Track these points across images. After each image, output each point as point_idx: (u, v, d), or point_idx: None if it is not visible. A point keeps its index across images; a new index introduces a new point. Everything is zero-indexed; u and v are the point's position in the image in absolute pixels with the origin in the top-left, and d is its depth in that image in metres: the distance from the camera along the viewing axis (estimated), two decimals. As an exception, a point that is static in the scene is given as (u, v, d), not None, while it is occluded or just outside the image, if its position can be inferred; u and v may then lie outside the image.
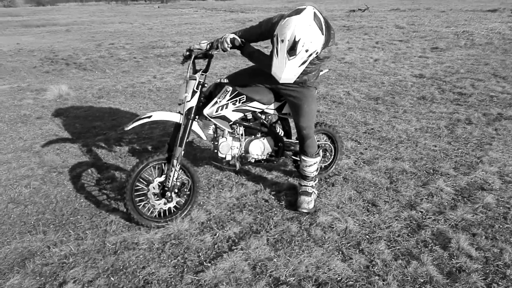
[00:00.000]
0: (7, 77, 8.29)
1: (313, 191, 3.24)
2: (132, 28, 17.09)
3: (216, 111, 3.01)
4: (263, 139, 3.27)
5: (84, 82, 7.61)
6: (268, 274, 2.49)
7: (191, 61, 2.93)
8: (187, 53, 2.98)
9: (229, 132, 3.14)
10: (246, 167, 3.80)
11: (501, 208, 3.17)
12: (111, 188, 3.54)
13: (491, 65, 8.04)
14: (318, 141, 3.57)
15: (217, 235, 2.89)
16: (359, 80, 7.25)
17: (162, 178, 2.92)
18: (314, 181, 3.29)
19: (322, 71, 3.40)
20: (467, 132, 4.69)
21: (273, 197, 3.38)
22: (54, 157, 4.20)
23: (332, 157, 3.70)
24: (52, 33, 16.18)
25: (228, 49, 2.78)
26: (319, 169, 3.29)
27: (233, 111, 3.04)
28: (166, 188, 2.91)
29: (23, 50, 11.50)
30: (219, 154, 3.14)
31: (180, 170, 2.97)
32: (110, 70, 8.69)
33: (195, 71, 2.93)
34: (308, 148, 3.11)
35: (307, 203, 3.15)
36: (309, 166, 3.16)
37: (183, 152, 2.89)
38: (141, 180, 2.94)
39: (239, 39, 2.74)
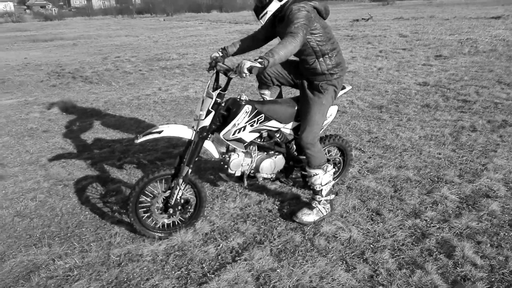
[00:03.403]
0: (14, 91, 8.40)
1: (317, 207, 3.14)
2: (138, 41, 17.29)
3: (233, 134, 2.92)
4: (275, 157, 3.19)
5: (90, 95, 7.70)
6: (271, 285, 2.49)
7: (214, 76, 2.86)
8: (212, 62, 2.92)
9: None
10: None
11: (506, 215, 3.15)
12: (116, 201, 3.56)
13: (496, 72, 8.02)
14: (329, 154, 3.57)
15: (220, 246, 2.89)
16: (363, 88, 7.26)
17: (167, 194, 2.91)
18: (324, 196, 3.15)
19: (345, 88, 3.41)
20: (471, 140, 4.67)
21: (276, 207, 3.39)
22: (60, 170, 4.24)
23: (339, 170, 3.69)
24: (60, 47, 16.41)
25: (247, 76, 2.56)
26: (329, 184, 3.16)
27: (250, 132, 2.98)
28: (169, 205, 2.91)
29: (31, 65, 11.67)
30: (229, 170, 3.06)
31: (187, 187, 2.95)
32: (116, 83, 8.79)
33: (215, 88, 2.82)
34: (309, 159, 3.07)
35: (303, 214, 3.12)
36: (310, 177, 3.12)
37: (190, 170, 2.85)
38: (146, 193, 2.93)
39: (257, 65, 2.41)
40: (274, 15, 2.80)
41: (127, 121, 5.93)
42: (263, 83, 3.27)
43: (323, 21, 2.88)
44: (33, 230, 3.21)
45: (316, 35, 2.80)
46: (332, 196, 3.23)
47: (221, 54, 3.04)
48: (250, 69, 2.41)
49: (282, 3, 2.74)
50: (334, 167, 3.57)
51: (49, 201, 3.65)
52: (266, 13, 2.77)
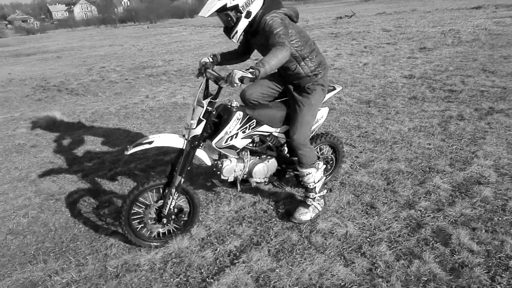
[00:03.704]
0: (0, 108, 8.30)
1: (312, 204, 3.16)
2: (122, 50, 17.21)
3: (226, 142, 2.90)
4: (268, 161, 3.18)
5: (77, 107, 7.64)
6: (271, 285, 2.48)
7: (203, 83, 2.81)
8: (201, 68, 2.89)
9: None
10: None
11: (499, 200, 3.18)
12: (109, 212, 3.53)
13: (480, 60, 8.11)
14: (321, 152, 3.58)
15: (218, 250, 2.88)
16: (350, 84, 7.30)
17: (160, 203, 2.89)
18: (318, 193, 3.17)
19: (336, 89, 3.42)
20: (460, 128, 4.71)
21: (271, 208, 3.38)
22: (50, 184, 4.19)
23: (331, 168, 3.70)
24: (43, 61, 16.26)
25: (239, 86, 2.52)
26: (321, 180, 3.18)
27: (242, 138, 2.96)
28: (163, 215, 2.88)
29: (15, 80, 11.55)
30: (222, 176, 3.04)
31: (180, 195, 2.92)
32: (102, 93, 8.73)
33: (206, 96, 2.77)
34: (300, 159, 3.07)
35: (301, 214, 3.13)
36: (303, 177, 3.12)
37: (182, 180, 2.83)
38: (138, 204, 2.88)
39: (248, 76, 2.39)
40: (246, 31, 2.80)
41: (116, 131, 5.89)
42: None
43: (296, 26, 2.89)
44: (27, 247, 3.17)
45: (293, 42, 2.81)
46: (325, 192, 3.25)
47: (211, 60, 3.02)
48: (241, 79, 2.39)
49: (250, 19, 2.72)
50: (326, 165, 3.59)
51: (42, 216, 3.60)
52: (237, 32, 2.75)
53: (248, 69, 2.43)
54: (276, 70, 2.88)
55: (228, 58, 3.17)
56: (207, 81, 2.82)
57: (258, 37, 2.80)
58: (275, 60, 2.47)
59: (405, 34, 12.76)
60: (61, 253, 3.03)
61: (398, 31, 13.62)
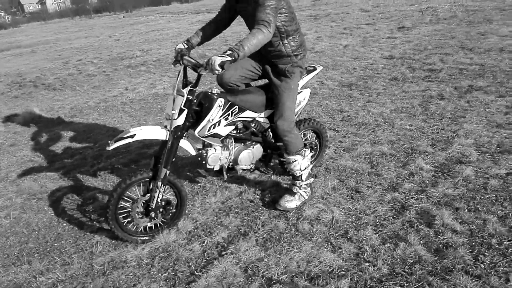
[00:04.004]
0: (-26, 107, 8.06)
1: (298, 192, 3.15)
2: (98, 41, 16.82)
3: (208, 130, 2.86)
4: (253, 147, 3.16)
5: (55, 103, 7.46)
6: (260, 275, 2.49)
7: (182, 72, 2.74)
8: (177, 55, 2.82)
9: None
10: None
11: (480, 179, 3.23)
12: (93, 209, 3.48)
13: (458, 38, 8.18)
14: (305, 138, 3.56)
15: (205, 243, 2.87)
16: (331, 68, 7.29)
17: (147, 197, 2.85)
18: (304, 181, 3.16)
19: (316, 69, 3.38)
20: (440, 108, 4.76)
21: (258, 197, 3.38)
22: (31, 183, 4.11)
23: (315, 154, 3.69)
24: (17, 56, 15.81)
25: (220, 72, 2.46)
26: (308, 168, 3.18)
27: (225, 126, 2.92)
28: (150, 208, 2.84)
29: (-11, 77, 11.21)
30: (207, 166, 3.01)
31: (167, 187, 2.88)
32: (80, 87, 8.54)
33: (185, 84, 2.72)
34: (286, 146, 3.05)
35: (286, 201, 3.12)
36: (289, 164, 3.11)
37: (168, 172, 2.79)
38: (125, 198, 2.83)
39: (227, 59, 2.35)
40: None
41: (96, 126, 5.78)
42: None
43: None
44: (10, 248, 3.11)
45: (282, 15, 2.69)
46: (311, 180, 3.24)
47: (186, 46, 2.94)
48: (222, 65, 2.34)
49: None
50: (311, 151, 3.59)
51: (24, 217, 3.53)
52: None
53: (225, 52, 2.38)
54: None
55: (206, 34, 3.04)
56: (185, 69, 2.76)
57: (247, 3, 2.67)
58: (255, 41, 2.42)
59: (384, 14, 12.77)
60: (46, 253, 2.98)
61: (376, 11, 13.61)
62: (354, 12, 14.28)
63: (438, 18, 10.79)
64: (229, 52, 2.37)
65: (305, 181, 3.17)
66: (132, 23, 25.50)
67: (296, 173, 3.13)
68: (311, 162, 3.62)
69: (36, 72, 10.77)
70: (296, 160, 3.08)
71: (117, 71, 9.66)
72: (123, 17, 35.67)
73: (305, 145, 3.29)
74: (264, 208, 3.21)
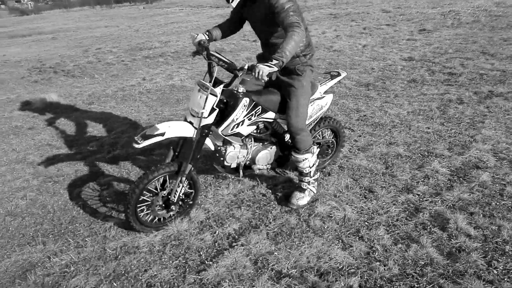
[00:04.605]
0: (-5, 90, 8.21)
1: (308, 188, 3.17)
2: (118, 31, 16.98)
3: (232, 129, 2.86)
4: (271, 148, 3.17)
5: (73, 89, 7.56)
6: (270, 268, 2.50)
7: (211, 69, 2.71)
8: (200, 48, 2.78)
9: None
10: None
11: (497, 185, 3.19)
12: (108, 194, 3.53)
13: (479, 43, 8.05)
14: (323, 136, 3.57)
15: (216, 233, 2.89)
16: (349, 67, 7.24)
17: (167, 191, 2.86)
18: (312, 177, 3.19)
19: (340, 75, 3.40)
20: (459, 112, 4.70)
21: (270, 191, 3.39)
22: (48, 166, 4.18)
23: (332, 152, 3.69)
24: (38, 42, 16.05)
25: (266, 80, 2.44)
26: (316, 164, 3.20)
27: (247, 125, 2.92)
28: (171, 202, 2.86)
29: (10, 61, 11.40)
30: (225, 162, 3.02)
31: (187, 182, 2.90)
32: (99, 75, 8.64)
33: (214, 82, 2.67)
34: (297, 144, 3.04)
35: (297, 199, 3.14)
36: (299, 162, 3.11)
37: (192, 168, 2.81)
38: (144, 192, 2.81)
39: (275, 69, 2.38)
40: None
41: (114, 114, 5.85)
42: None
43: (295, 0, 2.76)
44: (26, 229, 3.17)
45: None
46: (318, 174, 3.26)
47: (207, 38, 2.91)
48: (270, 76, 2.38)
49: None
50: (327, 149, 3.59)
51: (40, 198, 3.60)
52: None
53: (271, 61, 2.38)
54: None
55: (225, 31, 3.06)
56: (210, 64, 2.72)
57: (255, 8, 2.70)
58: (293, 43, 2.45)
59: (405, 16, 12.62)
60: (60, 235, 3.04)
61: (397, 12, 13.46)
62: (374, 12, 14.14)
63: (460, 22, 10.62)
64: (274, 62, 2.38)
65: (313, 177, 3.19)
66: (152, 15, 25.66)
67: (305, 170, 3.14)
68: (326, 160, 3.64)
69: (56, 59, 10.92)
70: (306, 159, 3.09)
71: (135, 61, 9.74)
72: (143, 8, 35.91)
73: (313, 142, 3.28)
74: (276, 203, 3.22)
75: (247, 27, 3.03)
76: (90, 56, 10.77)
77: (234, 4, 2.73)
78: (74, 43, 14.27)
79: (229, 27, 3.09)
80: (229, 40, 10.41)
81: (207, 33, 2.96)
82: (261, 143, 3.16)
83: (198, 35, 2.88)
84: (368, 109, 5.08)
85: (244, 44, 10.12)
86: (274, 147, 3.20)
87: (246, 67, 2.49)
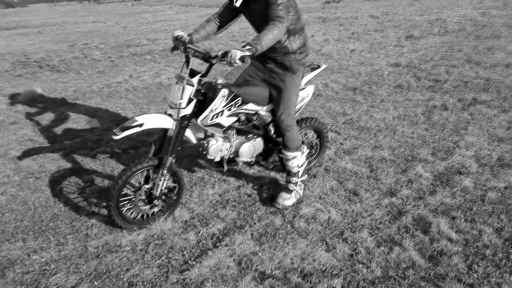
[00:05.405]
0: (-23, 83, 8.04)
1: (294, 189, 3.18)
2: (105, 27, 16.79)
3: (211, 119, 2.85)
4: (254, 140, 3.18)
5: (58, 85, 7.45)
6: (253, 269, 2.50)
7: (186, 61, 2.73)
8: (177, 42, 2.78)
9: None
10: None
11: (479, 191, 3.25)
12: (91, 192, 3.48)
13: (464, 51, 8.18)
14: (306, 137, 3.58)
15: (201, 233, 2.87)
16: (337, 71, 7.29)
17: (150, 185, 2.84)
18: (300, 178, 3.20)
19: (320, 67, 3.42)
20: (443, 118, 4.77)
21: (255, 192, 3.38)
22: (30, 162, 4.10)
23: (316, 153, 3.70)
24: (24, 35, 15.76)
25: (238, 65, 2.48)
26: (304, 165, 3.21)
27: (227, 116, 2.92)
28: (154, 196, 2.84)
29: (-7, 54, 11.17)
30: (208, 156, 3.01)
31: (168, 176, 2.88)
32: (84, 71, 8.53)
33: (192, 74, 2.69)
34: (287, 142, 3.06)
35: (284, 199, 3.14)
36: (288, 160, 3.12)
37: (174, 160, 2.80)
38: (126, 186, 2.80)
39: (247, 54, 2.38)
40: None
41: (99, 110, 5.78)
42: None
43: None
44: (5, 225, 3.11)
45: (290, 14, 2.71)
46: (305, 176, 3.26)
47: (187, 34, 2.89)
48: (242, 59, 2.36)
49: None
50: (311, 150, 3.60)
51: (21, 194, 3.53)
52: None
53: (244, 47, 2.39)
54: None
55: (208, 32, 3.02)
56: (187, 57, 2.75)
57: (257, 3, 2.68)
58: (271, 36, 2.46)
59: (392, 22, 12.76)
60: (40, 232, 2.98)
61: (385, 19, 13.61)
62: (363, 18, 14.27)
63: (446, 30, 10.79)
64: (248, 47, 2.39)
65: (301, 177, 3.19)
66: (140, 12, 25.45)
67: (293, 170, 3.15)
68: (310, 161, 3.65)
69: (41, 53, 10.75)
70: (295, 157, 3.10)
71: (122, 58, 9.64)
72: (131, 5, 35.57)
73: (303, 142, 3.30)
74: (261, 204, 3.22)
75: (235, 27, 3.02)
76: (76, 52, 10.63)
77: (238, 4, 2.72)
78: (60, 38, 14.06)
79: (217, 25, 3.04)
80: (217, 40, 10.38)
81: (189, 36, 2.92)
82: (244, 136, 3.16)
83: (177, 31, 2.88)
84: (354, 113, 5.12)
85: (233, 45, 10.09)
86: (257, 140, 3.21)
87: (219, 54, 2.50)
